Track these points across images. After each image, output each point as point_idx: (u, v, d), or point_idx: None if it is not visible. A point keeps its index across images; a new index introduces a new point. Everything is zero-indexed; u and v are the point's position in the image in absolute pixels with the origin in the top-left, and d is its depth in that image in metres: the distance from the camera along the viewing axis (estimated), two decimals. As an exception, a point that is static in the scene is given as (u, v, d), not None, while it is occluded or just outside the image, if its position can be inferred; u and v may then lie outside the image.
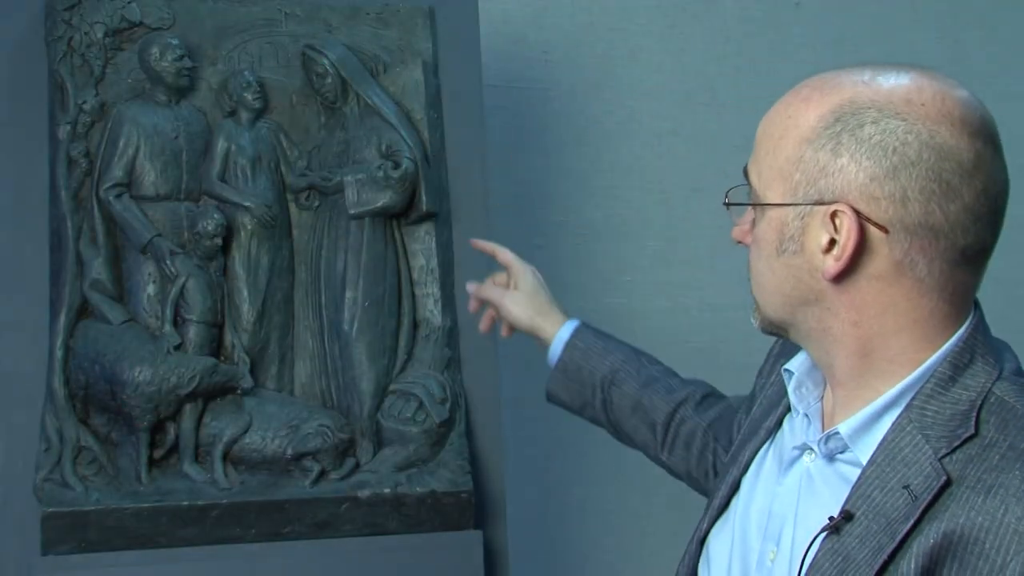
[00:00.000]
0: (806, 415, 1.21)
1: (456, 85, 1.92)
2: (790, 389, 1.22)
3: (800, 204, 1.10)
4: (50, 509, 1.60)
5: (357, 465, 1.75)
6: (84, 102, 1.74)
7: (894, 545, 1.05)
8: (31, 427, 1.66)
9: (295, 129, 1.85)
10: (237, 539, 1.66)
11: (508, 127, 2.42)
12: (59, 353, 1.68)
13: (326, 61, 1.82)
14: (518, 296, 1.70)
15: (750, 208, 1.17)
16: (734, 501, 1.29)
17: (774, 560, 1.17)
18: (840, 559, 1.07)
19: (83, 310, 1.71)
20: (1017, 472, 1.03)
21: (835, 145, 1.08)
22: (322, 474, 1.72)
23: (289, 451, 1.71)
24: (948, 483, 1.05)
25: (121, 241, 1.74)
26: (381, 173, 1.81)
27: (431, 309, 1.85)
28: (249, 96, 1.79)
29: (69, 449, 1.65)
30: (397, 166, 1.81)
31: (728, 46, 2.61)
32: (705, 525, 1.31)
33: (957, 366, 1.10)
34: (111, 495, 1.64)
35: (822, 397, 1.21)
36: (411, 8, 1.90)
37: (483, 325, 1.73)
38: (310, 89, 1.85)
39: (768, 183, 1.13)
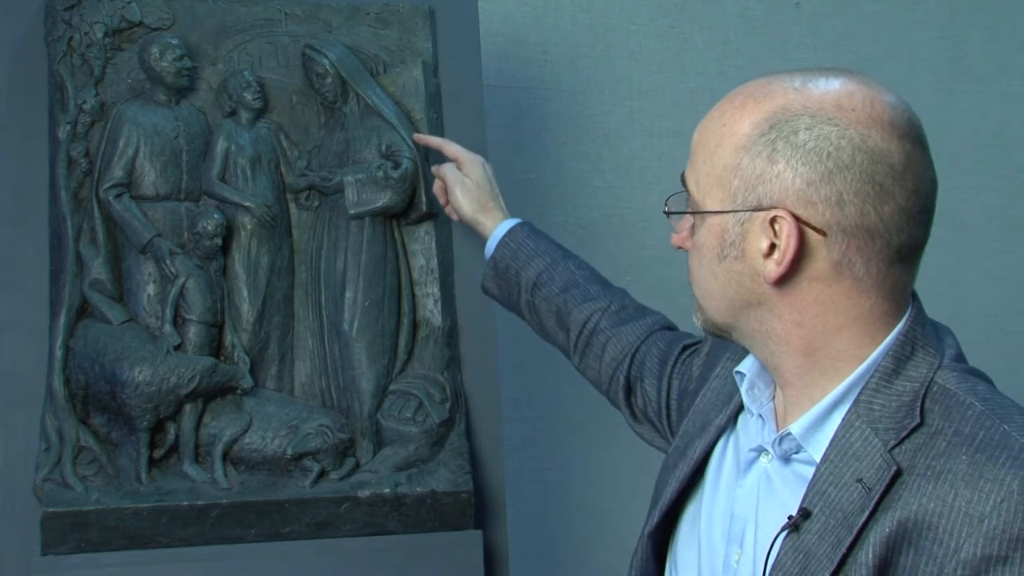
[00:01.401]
0: (760, 415, 1.23)
1: (456, 85, 1.92)
2: (743, 390, 1.25)
3: (739, 211, 1.13)
4: (50, 509, 1.60)
5: (357, 465, 1.75)
6: (84, 102, 1.74)
7: (852, 537, 1.08)
8: (31, 427, 1.66)
9: (295, 129, 1.85)
10: (237, 539, 1.66)
11: (508, 127, 2.42)
12: (59, 353, 1.68)
13: (326, 61, 1.82)
14: (468, 185, 1.78)
15: (688, 214, 1.20)
16: (694, 503, 1.31)
17: (739, 562, 1.20)
18: (801, 556, 1.10)
19: (83, 310, 1.71)
20: (964, 457, 1.06)
21: (771, 152, 1.11)
22: (322, 474, 1.72)
23: (289, 451, 1.71)
24: (899, 473, 1.08)
25: (121, 241, 1.74)
26: (381, 173, 1.81)
27: (431, 309, 1.85)
28: (249, 96, 1.79)
29: (69, 449, 1.65)
30: (397, 166, 1.81)
31: (728, 46, 2.61)
32: (656, 519, 1.33)
33: (899, 359, 1.13)
34: (111, 495, 1.63)
35: (773, 397, 1.24)
36: (411, 8, 1.91)
37: (440, 199, 1.83)
38: (310, 89, 1.85)
39: (707, 191, 1.16)
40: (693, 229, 1.20)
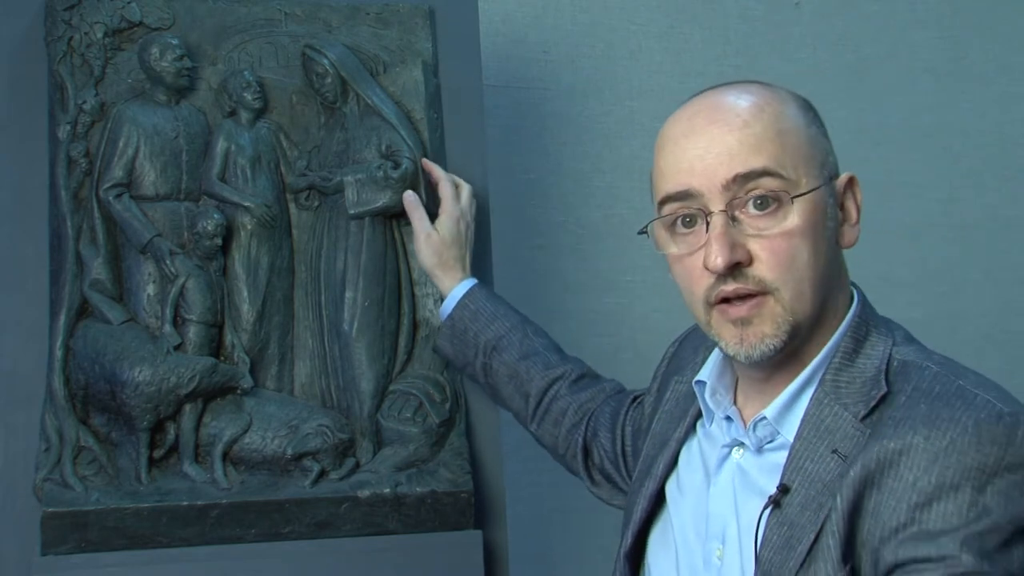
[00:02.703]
0: (727, 417, 1.27)
1: (456, 85, 1.92)
2: (706, 396, 1.28)
3: (827, 184, 1.20)
4: (50, 509, 1.60)
5: (357, 465, 1.75)
6: (84, 102, 1.74)
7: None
8: (31, 427, 1.66)
9: (295, 129, 1.85)
10: (237, 539, 1.66)
11: (508, 127, 2.42)
12: (59, 353, 1.67)
13: (326, 61, 1.82)
14: (432, 238, 1.76)
15: (768, 213, 1.17)
16: (663, 516, 1.34)
17: (722, 556, 1.22)
18: (785, 528, 1.13)
19: (83, 310, 1.71)
20: (922, 406, 1.11)
21: (819, 125, 1.23)
22: (322, 474, 1.72)
23: (289, 451, 1.71)
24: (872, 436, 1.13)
25: (121, 241, 1.74)
26: (381, 173, 1.81)
27: (431, 309, 1.85)
28: (249, 96, 1.79)
29: (69, 449, 1.65)
30: (397, 166, 1.81)
31: (728, 46, 2.61)
32: (629, 540, 1.36)
33: (857, 339, 1.20)
34: (111, 495, 1.63)
35: (735, 400, 1.28)
36: (411, 8, 1.91)
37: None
38: (310, 89, 1.84)
39: (804, 170, 1.19)
40: (782, 216, 1.16)
